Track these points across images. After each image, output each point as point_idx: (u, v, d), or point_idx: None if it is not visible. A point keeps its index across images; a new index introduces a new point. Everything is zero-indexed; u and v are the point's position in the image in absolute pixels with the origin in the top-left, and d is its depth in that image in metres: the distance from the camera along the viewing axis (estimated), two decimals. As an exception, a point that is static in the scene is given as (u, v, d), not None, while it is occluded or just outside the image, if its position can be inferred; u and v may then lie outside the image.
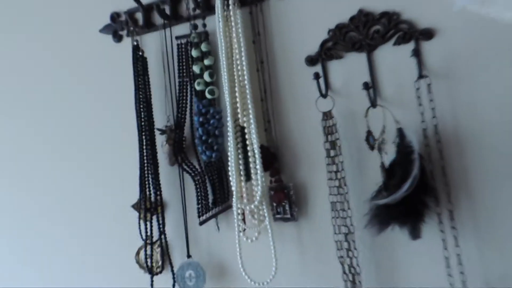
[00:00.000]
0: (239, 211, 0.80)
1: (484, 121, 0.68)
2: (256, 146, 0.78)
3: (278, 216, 0.82)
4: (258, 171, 0.78)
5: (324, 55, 0.79)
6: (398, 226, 0.69)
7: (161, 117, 0.92)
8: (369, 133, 0.72)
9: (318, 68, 0.79)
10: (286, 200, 0.80)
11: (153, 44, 0.94)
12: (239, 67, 0.80)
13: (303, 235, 0.82)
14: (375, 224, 0.70)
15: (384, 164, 0.71)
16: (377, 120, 0.73)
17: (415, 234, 0.68)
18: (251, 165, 0.79)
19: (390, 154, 0.70)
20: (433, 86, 0.70)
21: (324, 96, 0.77)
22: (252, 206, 0.79)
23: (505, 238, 0.67)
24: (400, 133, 0.69)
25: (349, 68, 0.77)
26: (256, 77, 0.83)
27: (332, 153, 0.76)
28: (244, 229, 0.81)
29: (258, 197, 0.78)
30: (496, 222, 0.68)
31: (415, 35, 0.72)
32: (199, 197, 0.86)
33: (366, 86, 0.71)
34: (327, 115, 0.76)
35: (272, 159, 0.82)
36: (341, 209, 0.76)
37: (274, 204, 0.81)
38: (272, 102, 0.83)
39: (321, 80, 0.77)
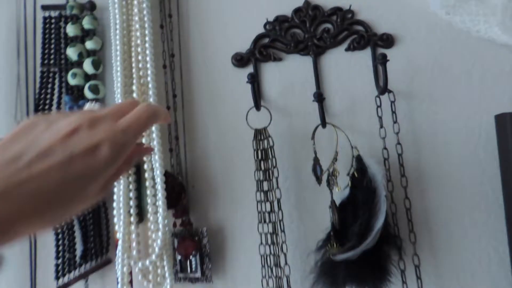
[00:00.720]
0: (124, 269, 0.56)
1: (448, 153, 0.58)
2: (159, 173, 0.56)
3: (181, 274, 0.59)
4: (160, 209, 0.56)
5: (259, 54, 0.62)
6: (356, 288, 0.53)
7: (7, 123, 0.63)
8: (316, 161, 0.56)
9: (249, 71, 0.61)
10: (195, 252, 0.58)
11: (4, 15, 0.66)
12: (140, 57, 0.58)
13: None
14: (323, 286, 0.53)
15: (335, 203, 0.55)
16: (327, 144, 0.58)
17: (379, 299, 0.53)
18: (148, 200, 0.56)
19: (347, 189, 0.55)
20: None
21: (258, 107, 0.59)
22: (147, 261, 0.55)
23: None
24: (360, 162, 0.55)
25: (290, 74, 0.62)
26: (163, 76, 0.62)
27: (265, 186, 0.58)
28: (130, 296, 0.57)
29: (157, 249, 0.55)
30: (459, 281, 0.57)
31: (373, 40, 0.60)
32: (61, 248, 0.58)
33: (319, 97, 0.56)
34: (261, 134, 0.59)
35: (180, 192, 0.60)
36: (274, 264, 0.57)
37: (179, 258, 0.59)
38: (183, 111, 0.62)
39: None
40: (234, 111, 0.61)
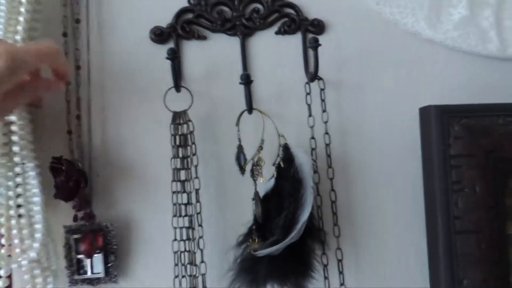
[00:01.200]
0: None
1: (373, 146, 0.58)
2: (29, 167, 0.49)
3: (78, 277, 0.52)
4: (34, 199, 0.48)
5: (181, 30, 0.56)
6: (278, 287, 0.50)
7: None
8: (240, 149, 0.53)
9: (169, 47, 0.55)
10: (99, 250, 0.51)
11: None
12: (21, 18, 0.48)
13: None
14: (243, 284, 0.50)
15: (259, 195, 0.52)
16: (253, 132, 0.55)
17: (302, 297, 0.50)
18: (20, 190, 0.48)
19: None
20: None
21: (177, 88, 0.54)
22: (24, 262, 0.47)
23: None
24: (286, 152, 0.52)
25: (215, 54, 0.57)
26: (61, 45, 0.54)
27: (182, 175, 0.53)
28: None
29: (36, 246, 0.47)
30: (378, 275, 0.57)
31: (304, 25, 0.58)
32: None
33: (246, 79, 0.52)
34: (180, 118, 0.53)
35: (78, 181, 0.52)
36: (189, 262, 0.52)
37: (78, 258, 0.52)
38: (89, 88, 0.55)
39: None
40: (150, 91, 0.55)
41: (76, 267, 0.52)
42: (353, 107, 0.58)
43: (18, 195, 0.48)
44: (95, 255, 0.51)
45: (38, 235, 0.48)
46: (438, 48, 0.59)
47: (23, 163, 0.48)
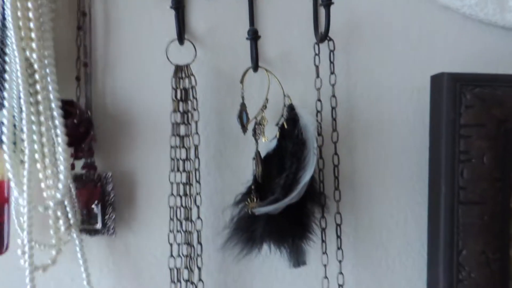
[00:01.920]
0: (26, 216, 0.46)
1: (380, 112, 0.56)
2: (55, 105, 0.47)
3: (80, 226, 0.52)
4: (60, 148, 0.47)
5: (187, -19, 0.54)
6: (275, 247, 0.49)
7: None
8: (243, 107, 0.51)
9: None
10: (98, 201, 0.51)
11: None
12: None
13: (120, 259, 0.54)
14: (238, 243, 0.49)
15: (260, 154, 0.51)
16: (257, 91, 0.53)
17: (298, 258, 0.50)
18: (44, 138, 0.47)
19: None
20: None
21: (181, 41, 0.52)
22: (51, 204, 0.47)
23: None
24: (291, 112, 0.51)
25: (221, 9, 0.55)
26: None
27: (182, 130, 0.52)
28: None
29: (60, 193, 0.46)
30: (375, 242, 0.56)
31: (317, -17, 0.55)
32: None
33: (253, 34, 0.50)
34: (182, 71, 0.52)
35: (87, 129, 0.50)
36: (185, 218, 0.51)
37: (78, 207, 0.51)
38: (91, 33, 0.53)
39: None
40: (152, 43, 0.53)
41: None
42: (362, 71, 0.56)
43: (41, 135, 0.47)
44: (93, 206, 0.50)
45: (61, 176, 0.47)
46: (453, 15, 0.56)
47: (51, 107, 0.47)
